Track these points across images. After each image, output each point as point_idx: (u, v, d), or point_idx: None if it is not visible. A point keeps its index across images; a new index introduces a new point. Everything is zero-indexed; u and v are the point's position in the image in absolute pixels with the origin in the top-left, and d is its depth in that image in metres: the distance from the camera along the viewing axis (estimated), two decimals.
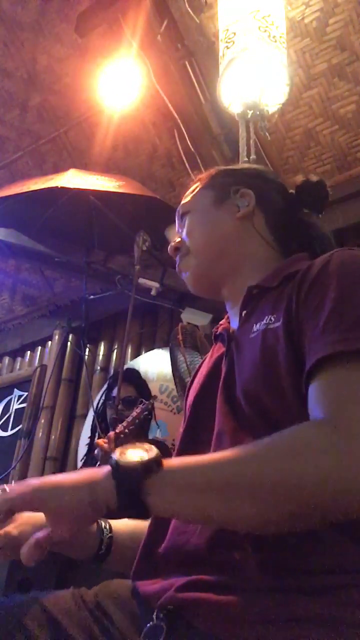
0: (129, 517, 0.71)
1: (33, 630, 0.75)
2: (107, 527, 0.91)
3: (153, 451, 0.70)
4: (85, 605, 0.80)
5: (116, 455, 0.71)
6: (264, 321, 0.85)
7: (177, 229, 1.11)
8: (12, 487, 0.75)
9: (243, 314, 0.94)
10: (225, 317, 1.06)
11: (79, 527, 0.74)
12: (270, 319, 0.85)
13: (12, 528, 0.81)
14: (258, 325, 0.86)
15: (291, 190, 1.09)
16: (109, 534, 0.89)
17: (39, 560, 0.75)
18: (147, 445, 0.71)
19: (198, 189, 1.08)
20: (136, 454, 0.70)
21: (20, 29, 3.03)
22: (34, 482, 0.74)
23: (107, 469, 0.71)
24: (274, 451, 0.67)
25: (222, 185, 1.06)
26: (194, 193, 1.08)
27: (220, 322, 1.05)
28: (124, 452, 0.71)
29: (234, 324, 0.99)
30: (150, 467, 0.69)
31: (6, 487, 0.75)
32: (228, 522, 0.69)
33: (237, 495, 0.66)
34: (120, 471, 0.69)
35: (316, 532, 0.69)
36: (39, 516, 0.78)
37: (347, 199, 2.83)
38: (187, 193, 1.11)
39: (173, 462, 0.72)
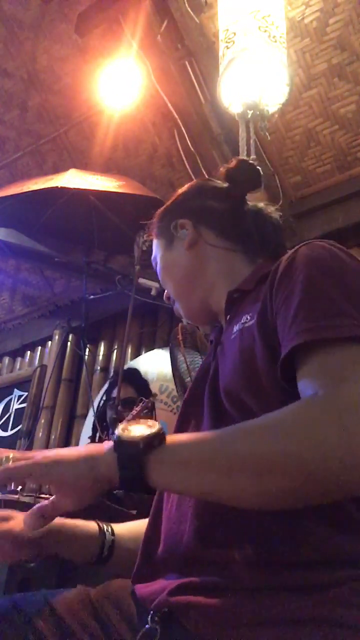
0: (131, 491, 0.71)
1: (43, 630, 0.76)
2: (110, 530, 0.91)
3: (155, 427, 0.71)
4: (91, 606, 0.81)
5: (119, 430, 0.72)
6: (242, 321, 0.88)
7: None
8: (16, 457, 0.75)
9: (227, 318, 0.97)
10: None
11: (83, 501, 0.75)
12: (247, 318, 0.87)
13: (12, 526, 0.82)
14: (237, 326, 0.89)
15: (224, 185, 1.09)
16: (112, 538, 0.90)
17: (42, 527, 0.76)
18: (150, 422, 0.72)
19: (154, 241, 1.13)
20: (139, 429, 0.71)
21: (20, 29, 3.03)
22: (37, 454, 0.75)
23: (109, 443, 0.72)
24: (275, 427, 0.67)
25: (163, 229, 1.09)
26: (154, 247, 1.13)
27: (215, 325, 1.08)
28: (127, 428, 0.72)
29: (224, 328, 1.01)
30: (152, 442, 0.69)
31: (10, 455, 0.76)
32: (230, 498, 0.70)
33: (239, 471, 0.67)
34: (122, 445, 0.70)
35: (306, 525, 0.69)
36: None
37: (347, 199, 2.83)
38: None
39: (175, 437, 0.73)
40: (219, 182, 1.10)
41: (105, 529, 0.91)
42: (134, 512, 1.74)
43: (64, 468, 0.72)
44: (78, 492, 0.73)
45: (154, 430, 0.70)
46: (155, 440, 0.70)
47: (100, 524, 0.92)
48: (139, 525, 0.96)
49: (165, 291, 1.13)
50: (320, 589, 0.66)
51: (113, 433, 0.72)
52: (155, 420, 2.57)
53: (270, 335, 0.79)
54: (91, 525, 0.93)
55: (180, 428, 0.94)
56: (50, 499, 0.74)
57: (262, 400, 0.77)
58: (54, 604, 0.80)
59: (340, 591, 0.66)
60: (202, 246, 1.04)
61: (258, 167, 1.09)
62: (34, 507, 0.74)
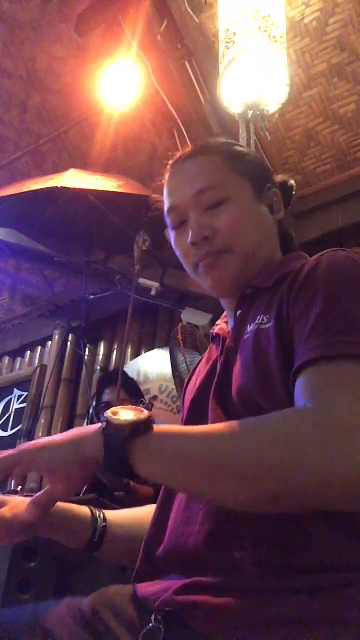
0: (116, 475, 0.72)
1: (24, 638, 0.75)
2: (102, 516, 0.91)
3: (144, 414, 0.72)
4: (82, 618, 0.80)
5: (108, 413, 0.72)
6: (257, 322, 0.86)
7: (187, 204, 0.95)
8: (2, 452, 0.76)
9: (238, 314, 0.94)
10: (222, 316, 1.05)
11: (74, 486, 0.75)
12: (263, 320, 0.85)
13: (5, 511, 0.82)
14: (251, 326, 0.87)
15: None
16: (103, 524, 0.90)
17: (40, 517, 0.77)
18: (141, 409, 0.73)
19: (229, 172, 0.96)
20: (128, 414, 0.72)
21: (20, 29, 3.03)
22: (24, 444, 0.76)
23: (98, 425, 0.73)
24: (260, 432, 0.68)
25: (259, 179, 0.99)
26: (226, 176, 0.95)
27: (217, 323, 1.04)
28: (117, 412, 0.72)
29: (230, 324, 0.99)
30: (138, 428, 0.70)
31: None
32: (209, 496, 0.71)
33: (220, 471, 0.67)
34: (109, 428, 0.71)
35: (313, 530, 0.69)
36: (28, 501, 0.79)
37: (347, 199, 2.83)
38: (203, 164, 0.97)
39: (163, 428, 0.73)
40: None
41: (97, 515, 0.91)
42: None
43: (51, 451, 0.73)
44: (67, 475, 0.73)
45: (142, 417, 0.71)
46: (142, 427, 0.70)
47: (93, 510, 0.92)
48: (132, 514, 0.97)
49: (203, 232, 0.93)
50: (329, 590, 0.66)
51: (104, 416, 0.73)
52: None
53: (287, 341, 0.78)
54: (84, 511, 0.93)
55: (186, 425, 0.93)
56: (44, 489, 0.75)
57: (275, 404, 0.76)
58: (44, 621, 0.79)
59: (348, 593, 0.66)
60: (275, 226, 1.01)
61: (293, 192, 1.06)
62: (32, 498, 0.75)
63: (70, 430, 0.78)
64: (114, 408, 0.74)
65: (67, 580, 1.56)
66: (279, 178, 1.06)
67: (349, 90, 2.72)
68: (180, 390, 2.44)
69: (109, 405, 2.30)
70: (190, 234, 0.95)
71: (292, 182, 1.07)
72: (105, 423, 0.71)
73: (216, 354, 0.96)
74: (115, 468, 0.71)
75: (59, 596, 0.89)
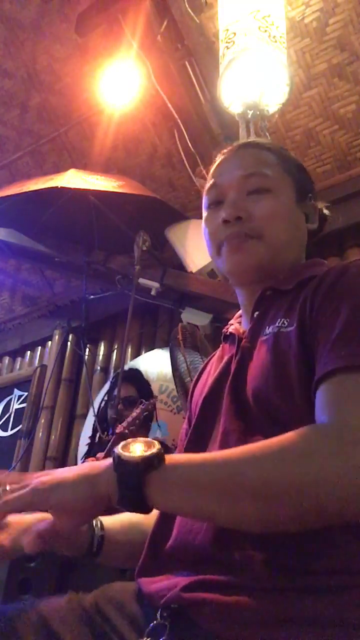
0: (130, 510, 0.71)
1: (24, 634, 0.75)
2: (99, 525, 0.90)
3: (155, 446, 0.70)
4: (83, 612, 0.80)
5: (119, 448, 0.71)
6: (277, 324, 0.85)
7: (229, 184, 0.95)
8: (13, 487, 0.74)
9: (255, 315, 0.93)
10: (236, 316, 1.05)
11: (82, 521, 0.74)
12: (284, 322, 0.84)
13: (4, 539, 0.81)
14: (270, 328, 0.86)
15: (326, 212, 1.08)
16: (101, 533, 0.89)
17: (41, 550, 0.75)
18: (150, 440, 0.72)
19: (280, 168, 0.97)
20: (139, 448, 0.70)
21: (20, 29, 3.03)
22: (33, 479, 0.74)
23: (108, 461, 0.71)
24: (278, 453, 0.67)
25: (303, 185, 1.00)
26: (275, 170, 0.96)
27: (231, 322, 1.03)
28: (127, 446, 0.71)
29: (245, 324, 0.97)
30: (152, 461, 0.69)
31: (7, 486, 0.75)
32: (228, 521, 0.69)
33: (239, 495, 0.66)
34: (122, 464, 0.69)
35: (323, 533, 0.69)
36: (30, 520, 0.78)
37: (347, 199, 2.83)
38: (255, 154, 0.97)
39: (175, 458, 0.72)
40: None
41: (94, 524, 0.89)
42: None
43: (65, 490, 0.71)
44: (78, 512, 0.72)
45: (154, 450, 0.70)
46: (156, 460, 0.69)
47: None
48: (129, 518, 0.95)
49: (237, 211, 0.92)
50: (337, 592, 0.66)
51: (113, 433, 0.72)
52: (157, 421, 2.58)
53: (308, 345, 0.78)
54: None
55: (199, 426, 0.92)
56: (48, 520, 0.73)
57: (291, 405, 0.76)
58: (43, 610, 0.79)
59: (355, 594, 0.66)
60: (305, 232, 1.01)
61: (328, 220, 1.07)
62: (33, 529, 0.73)
63: (80, 465, 0.76)
64: (124, 442, 0.72)
65: (67, 580, 1.56)
66: (320, 203, 1.07)
67: (349, 90, 2.72)
68: (180, 390, 2.43)
69: (123, 402, 2.31)
70: (223, 212, 0.94)
71: (327, 212, 1.07)
72: (117, 459, 0.70)
73: (230, 354, 0.95)
74: (129, 503, 0.70)
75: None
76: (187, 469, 0.70)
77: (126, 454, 0.70)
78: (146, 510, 0.70)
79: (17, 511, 0.75)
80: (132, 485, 0.68)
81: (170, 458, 0.71)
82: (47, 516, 0.79)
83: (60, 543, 0.83)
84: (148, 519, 0.95)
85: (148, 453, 0.69)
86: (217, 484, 0.68)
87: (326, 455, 0.64)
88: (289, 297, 0.88)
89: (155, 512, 0.98)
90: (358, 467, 0.62)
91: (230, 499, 0.67)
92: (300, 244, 0.99)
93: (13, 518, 0.82)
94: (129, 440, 0.73)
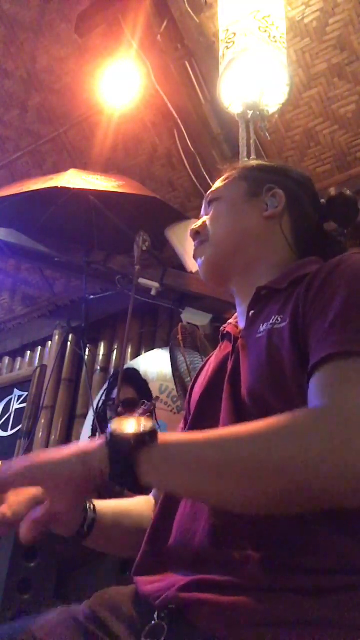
0: (121, 487, 0.71)
1: None
2: (92, 507, 0.90)
3: (148, 424, 0.71)
4: (74, 622, 0.79)
5: (112, 425, 0.72)
6: (271, 321, 0.86)
7: (202, 212, 1.11)
8: (6, 466, 0.75)
9: (250, 314, 0.94)
10: (234, 316, 1.06)
11: (77, 500, 0.75)
12: (277, 320, 0.85)
13: (5, 509, 0.81)
14: (264, 326, 0.87)
15: (322, 200, 1.09)
16: (93, 515, 0.89)
17: (38, 537, 0.76)
18: (144, 419, 0.72)
19: (232, 178, 1.07)
20: (131, 425, 0.71)
21: (20, 29, 3.03)
22: (27, 459, 0.75)
23: (102, 439, 0.72)
24: (267, 433, 0.67)
25: (256, 180, 1.05)
26: (227, 181, 1.07)
27: (229, 321, 1.05)
28: (120, 424, 0.72)
29: (242, 324, 0.99)
30: (144, 438, 0.69)
31: None
32: (218, 500, 0.70)
33: (227, 475, 0.67)
34: (114, 441, 0.70)
35: (321, 531, 0.69)
36: (30, 492, 0.78)
37: None
38: (220, 179, 1.10)
39: (167, 436, 0.72)
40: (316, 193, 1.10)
41: (87, 507, 0.90)
42: None
43: (57, 466, 0.72)
44: (72, 489, 0.73)
45: (147, 427, 0.71)
46: (147, 437, 0.70)
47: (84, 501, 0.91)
48: (120, 505, 0.96)
49: (194, 226, 1.07)
50: (334, 592, 0.66)
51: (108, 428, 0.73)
52: (156, 421, 2.58)
53: (301, 340, 0.78)
54: None
55: (195, 424, 0.93)
56: (42, 507, 0.73)
57: (286, 403, 0.76)
58: (36, 632, 0.78)
59: (353, 595, 0.66)
60: (275, 226, 1.02)
61: (357, 205, 1.08)
62: (28, 518, 0.74)
63: (73, 444, 0.77)
64: (117, 419, 0.73)
65: (67, 580, 1.56)
66: (332, 191, 1.09)
67: (349, 90, 2.72)
68: (180, 390, 2.43)
69: (123, 403, 2.31)
70: None
71: (345, 193, 1.08)
72: (110, 435, 0.71)
73: (226, 352, 0.96)
74: (121, 480, 0.70)
75: (59, 596, 0.89)
76: (178, 447, 0.71)
77: (119, 430, 0.71)
78: (137, 487, 0.70)
79: (11, 487, 0.75)
80: (124, 461, 0.69)
81: (162, 436, 0.71)
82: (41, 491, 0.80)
83: (53, 521, 0.84)
84: (138, 507, 0.97)
85: (141, 430, 0.70)
86: (207, 462, 0.68)
87: (317, 437, 0.64)
88: (284, 295, 0.89)
89: (149, 504, 0.99)
90: (349, 450, 0.62)
91: (218, 478, 0.67)
92: (259, 234, 1.01)
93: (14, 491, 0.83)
94: (123, 417, 0.74)
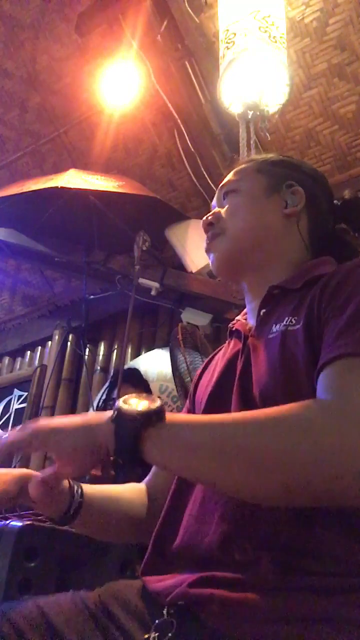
0: (126, 462, 0.71)
1: (27, 632, 0.75)
2: (79, 491, 0.91)
3: (156, 403, 0.71)
4: (87, 611, 0.80)
5: (120, 402, 0.72)
6: (284, 322, 0.85)
7: (213, 203, 1.07)
8: (12, 431, 0.76)
9: (262, 313, 0.93)
10: (242, 313, 1.05)
11: (83, 468, 0.75)
12: (291, 321, 0.84)
13: None
14: (277, 326, 0.86)
15: (335, 201, 1.08)
16: (80, 499, 0.90)
17: (45, 494, 0.79)
18: (153, 397, 0.73)
19: (251, 170, 1.04)
20: (140, 403, 0.71)
21: (20, 29, 3.03)
22: (33, 425, 0.76)
23: (109, 413, 0.73)
24: (275, 422, 0.67)
25: (277, 176, 1.03)
26: (245, 173, 1.04)
27: (237, 318, 1.03)
28: (128, 401, 0.72)
29: (251, 321, 0.98)
30: (150, 416, 0.70)
31: (1, 432, 0.78)
32: (219, 485, 0.70)
33: (230, 460, 0.67)
34: (120, 417, 0.70)
35: (329, 535, 0.69)
36: (13, 473, 0.82)
37: None
38: (236, 169, 1.06)
39: (175, 417, 0.73)
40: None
41: (75, 489, 0.90)
42: None
43: (63, 436, 0.73)
44: (77, 459, 0.73)
45: (154, 405, 0.71)
46: (155, 416, 0.70)
47: (72, 483, 0.91)
48: (109, 490, 0.97)
49: (207, 217, 1.03)
50: (343, 591, 0.66)
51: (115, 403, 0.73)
52: None
53: (315, 343, 0.78)
54: (62, 482, 0.90)
55: None
56: (52, 467, 0.75)
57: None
58: (44, 608, 0.79)
59: None
60: (293, 224, 1.00)
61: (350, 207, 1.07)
62: (38, 476, 0.77)
63: (83, 414, 0.78)
64: (126, 396, 0.73)
65: (67, 580, 1.56)
66: (347, 194, 1.09)
67: (349, 90, 2.72)
68: (180, 390, 2.43)
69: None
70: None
71: (348, 196, 1.08)
72: (117, 411, 0.71)
73: (235, 350, 0.95)
74: (125, 456, 0.70)
75: None
76: (184, 429, 0.71)
77: (126, 406, 0.71)
78: (141, 464, 0.71)
79: (17, 451, 0.76)
80: (129, 438, 0.69)
81: (170, 416, 0.71)
82: (28, 472, 0.85)
83: (42, 502, 0.85)
84: (128, 495, 0.98)
85: (147, 408, 0.70)
86: (211, 446, 0.68)
87: (323, 431, 0.64)
88: (297, 296, 0.88)
89: (140, 492, 0.99)
90: (352, 444, 0.62)
91: (221, 462, 0.67)
92: (277, 231, 1.00)
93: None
94: (132, 394, 0.74)
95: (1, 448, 0.75)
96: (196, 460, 0.69)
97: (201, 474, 0.70)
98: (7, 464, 0.83)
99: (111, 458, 0.72)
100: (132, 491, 1.00)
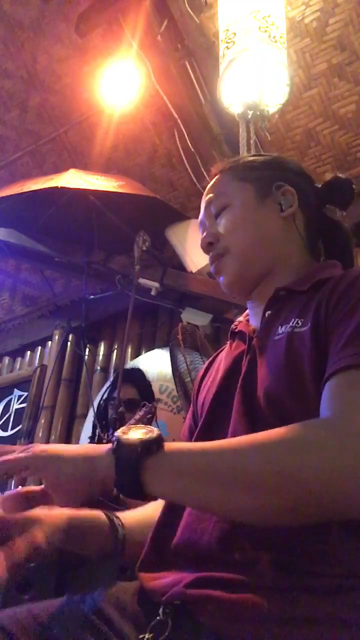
0: (126, 495, 0.71)
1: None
2: (120, 523, 0.88)
3: (154, 433, 0.71)
4: (82, 616, 0.79)
5: (119, 433, 0.72)
6: (290, 324, 0.84)
7: (203, 219, 1.05)
8: (14, 450, 0.75)
9: (267, 315, 0.93)
10: (244, 314, 1.04)
11: (75, 501, 0.75)
12: (297, 323, 0.84)
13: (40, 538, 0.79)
14: (283, 328, 0.85)
15: (317, 185, 1.07)
16: (123, 532, 0.88)
17: (19, 512, 0.75)
18: (150, 427, 0.72)
19: (235, 181, 1.02)
20: (138, 433, 0.71)
21: (20, 29, 3.02)
22: (36, 448, 0.75)
23: (108, 445, 0.72)
24: (278, 444, 0.67)
25: (263, 180, 1.01)
26: (231, 186, 1.02)
27: (239, 319, 1.03)
28: (126, 431, 0.72)
29: (254, 323, 0.97)
30: (150, 447, 0.69)
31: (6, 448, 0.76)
32: (224, 511, 0.70)
33: (236, 485, 0.66)
34: (121, 448, 0.70)
35: (329, 535, 0.69)
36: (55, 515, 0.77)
37: None
38: (214, 182, 1.05)
39: (174, 445, 0.72)
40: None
41: (116, 523, 0.87)
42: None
43: (62, 464, 0.72)
44: (72, 490, 0.73)
45: (152, 435, 0.70)
46: (154, 446, 0.69)
47: (110, 516, 0.88)
48: (145, 515, 0.94)
49: (205, 237, 1.01)
50: (342, 592, 0.66)
51: (113, 433, 0.72)
52: (156, 422, 2.58)
53: (322, 346, 0.78)
54: (100, 519, 0.87)
55: (207, 424, 0.91)
56: (41, 486, 0.74)
57: (304, 407, 0.75)
58: (39, 614, 0.78)
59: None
60: (290, 224, 0.99)
61: (352, 186, 1.06)
62: (20, 489, 0.75)
63: (82, 445, 0.77)
64: (124, 427, 0.73)
65: (67, 580, 1.55)
66: (328, 177, 1.08)
67: (349, 90, 2.72)
68: (180, 390, 2.43)
69: (125, 404, 2.30)
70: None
71: (340, 176, 1.07)
72: (116, 442, 0.70)
73: (239, 351, 0.95)
74: (126, 488, 0.70)
75: (59, 596, 0.87)
76: (185, 457, 0.71)
77: (125, 437, 0.70)
78: (142, 496, 0.70)
79: (13, 472, 0.74)
80: (130, 469, 0.69)
81: (169, 445, 0.71)
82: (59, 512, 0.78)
83: (79, 543, 0.82)
84: (157, 514, 0.93)
85: (147, 437, 0.70)
86: (214, 473, 0.68)
87: (326, 449, 0.64)
88: (303, 298, 0.88)
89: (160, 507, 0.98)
90: (356, 461, 0.62)
91: (226, 490, 0.67)
92: (277, 235, 0.99)
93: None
94: (130, 425, 0.74)
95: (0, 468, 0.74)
96: (199, 488, 0.68)
97: (203, 501, 0.69)
98: (3, 486, 0.81)
99: (111, 493, 0.71)
100: (158, 509, 0.96)
